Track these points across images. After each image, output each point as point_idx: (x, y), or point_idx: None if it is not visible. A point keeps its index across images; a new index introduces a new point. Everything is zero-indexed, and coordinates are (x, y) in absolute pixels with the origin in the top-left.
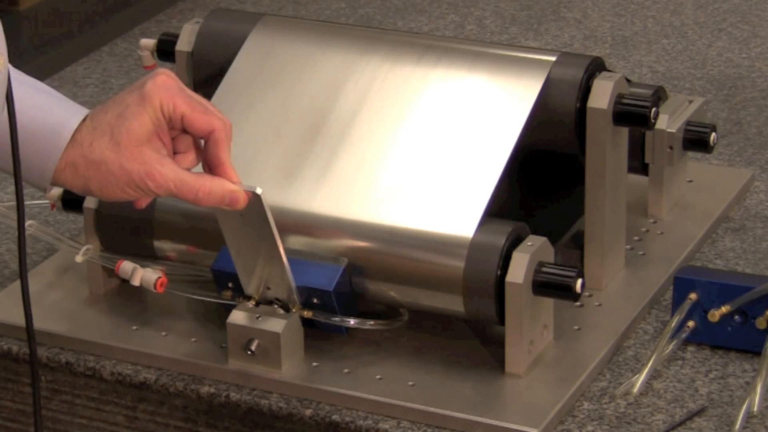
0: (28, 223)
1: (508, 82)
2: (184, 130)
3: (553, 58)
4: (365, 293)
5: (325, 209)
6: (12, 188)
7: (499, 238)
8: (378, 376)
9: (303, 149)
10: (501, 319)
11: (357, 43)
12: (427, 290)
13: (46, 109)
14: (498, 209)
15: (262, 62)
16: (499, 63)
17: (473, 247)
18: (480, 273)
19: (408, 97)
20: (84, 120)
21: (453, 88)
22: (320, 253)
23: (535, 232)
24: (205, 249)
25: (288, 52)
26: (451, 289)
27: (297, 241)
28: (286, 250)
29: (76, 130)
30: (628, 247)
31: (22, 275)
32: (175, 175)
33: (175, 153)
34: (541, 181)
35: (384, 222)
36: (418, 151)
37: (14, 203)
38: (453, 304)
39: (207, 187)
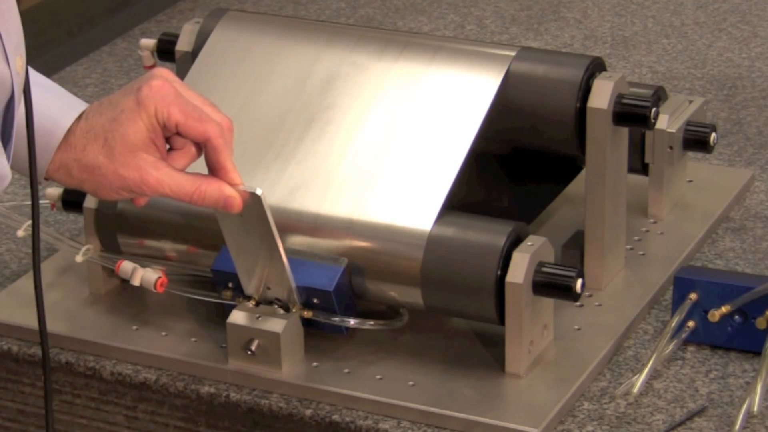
0: (28, 223)
1: (468, 76)
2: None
3: (513, 53)
4: (359, 291)
5: (285, 203)
6: (12, 188)
7: (499, 238)
8: (378, 376)
9: (264, 143)
10: (501, 319)
11: (319, 37)
12: (388, 283)
13: (41, 106)
14: (472, 201)
15: (225, 58)
16: (460, 57)
17: (431, 240)
18: (442, 266)
19: (368, 91)
20: (79, 119)
21: (414, 81)
22: (324, 253)
23: (511, 216)
24: (205, 249)
25: (250, 47)
26: (410, 282)
27: (289, 240)
28: (287, 250)
29: (70, 131)
30: (628, 247)
31: (36, 276)
32: (170, 180)
33: (172, 149)
34: (519, 169)
35: (347, 216)
36: (379, 146)
37: (14, 203)
38: (412, 296)
39: (202, 191)
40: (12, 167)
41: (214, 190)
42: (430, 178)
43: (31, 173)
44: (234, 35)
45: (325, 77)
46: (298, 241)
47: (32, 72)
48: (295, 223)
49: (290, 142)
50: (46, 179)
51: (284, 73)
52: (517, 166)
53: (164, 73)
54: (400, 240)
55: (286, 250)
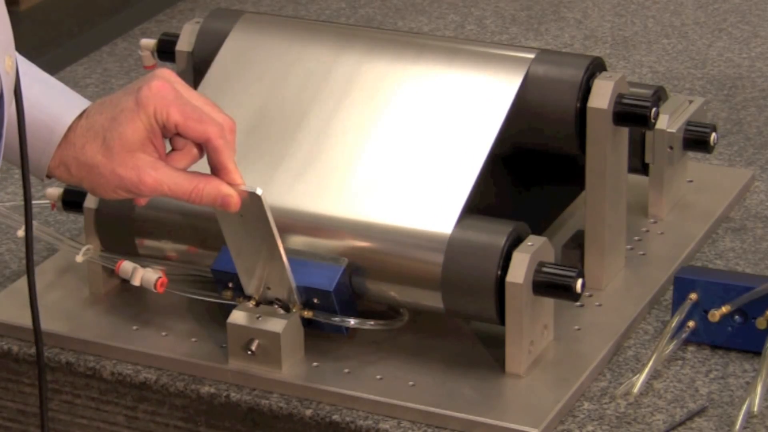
0: None
1: (487, 79)
2: None
3: (532, 55)
4: (362, 293)
5: (304, 206)
6: (12, 188)
7: (499, 238)
8: (378, 376)
9: (281, 146)
10: (501, 319)
11: (336, 39)
12: (407, 287)
13: (42, 103)
14: (483, 205)
15: (242, 60)
16: (479, 59)
17: (452, 243)
18: (461, 269)
19: (387, 94)
20: (80, 117)
21: (432, 84)
22: (303, 248)
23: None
24: (205, 249)
25: (267, 49)
26: (430, 286)
27: (287, 240)
28: (286, 250)
29: (70, 129)
30: (629, 247)
31: (29, 275)
32: (168, 179)
33: (174, 150)
34: (526, 171)
35: (363, 218)
36: (397, 148)
37: (14, 203)
38: (432, 300)
39: (199, 189)
40: (14, 164)
41: (212, 188)
42: (449, 181)
43: (23, 173)
44: (251, 37)
45: (344, 80)
46: (310, 242)
47: (35, 69)
48: (312, 225)
49: (308, 145)
50: (48, 177)
51: (302, 76)
52: (529, 170)
53: (165, 74)
54: (419, 244)
55: (295, 251)
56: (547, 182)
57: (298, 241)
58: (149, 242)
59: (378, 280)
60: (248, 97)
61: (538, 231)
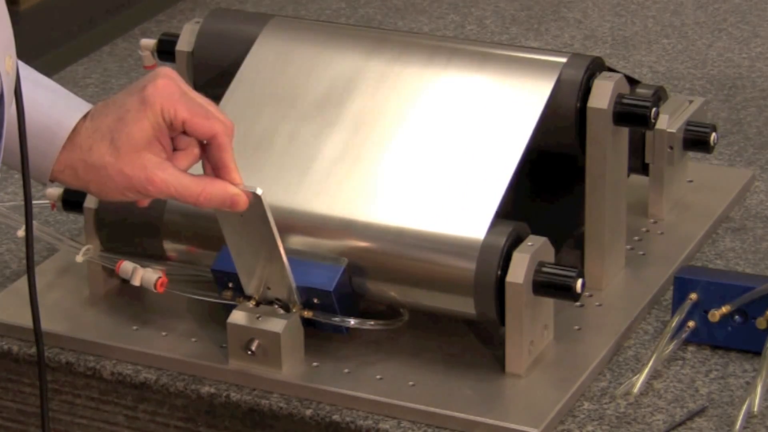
0: None
1: (519, 84)
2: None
3: (564, 60)
4: (371, 294)
5: (334, 210)
6: (12, 188)
7: (499, 238)
8: (378, 376)
9: (312, 150)
10: (501, 319)
11: (365, 44)
12: (437, 292)
13: (44, 107)
14: (506, 212)
15: (272, 64)
16: (510, 64)
17: (484, 249)
18: (485, 274)
19: (418, 99)
20: (84, 119)
21: (463, 89)
22: (325, 253)
23: (539, 234)
24: (205, 249)
25: (297, 54)
26: (462, 291)
27: (300, 242)
28: (289, 250)
29: (75, 132)
30: (628, 247)
31: (30, 275)
32: (176, 180)
33: (175, 150)
34: (547, 183)
35: (393, 224)
36: (428, 152)
37: (14, 203)
38: (463, 305)
39: (208, 192)
40: (14, 168)
41: (219, 190)
42: (481, 187)
43: (24, 173)
44: (280, 42)
45: (373, 85)
46: (336, 246)
47: (35, 73)
48: (343, 230)
49: (338, 149)
50: (52, 180)
51: (332, 80)
52: (541, 176)
53: (168, 73)
54: (451, 250)
55: (298, 251)
56: (562, 191)
57: (320, 244)
58: (149, 242)
59: (410, 286)
60: (279, 101)
61: (557, 243)
